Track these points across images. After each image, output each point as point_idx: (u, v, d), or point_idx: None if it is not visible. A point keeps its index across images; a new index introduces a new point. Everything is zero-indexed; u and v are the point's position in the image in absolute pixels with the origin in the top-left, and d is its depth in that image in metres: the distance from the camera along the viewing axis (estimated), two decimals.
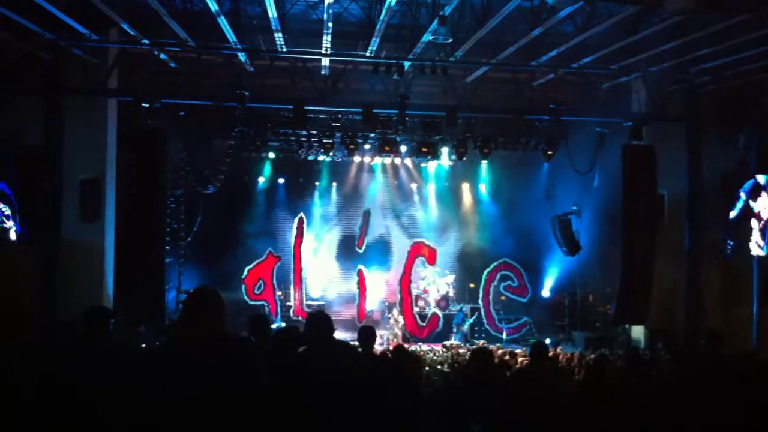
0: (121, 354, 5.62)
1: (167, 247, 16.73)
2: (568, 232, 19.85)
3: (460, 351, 16.78)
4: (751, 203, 15.45)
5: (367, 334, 7.32)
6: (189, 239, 19.80)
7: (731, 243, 15.67)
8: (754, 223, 15.47)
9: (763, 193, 15.33)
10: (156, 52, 15.23)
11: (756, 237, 15.37)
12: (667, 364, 11.02)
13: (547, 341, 17.62)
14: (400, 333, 19.87)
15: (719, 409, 6.34)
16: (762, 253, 15.22)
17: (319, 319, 5.83)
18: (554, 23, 12.59)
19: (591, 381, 7.42)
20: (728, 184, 15.92)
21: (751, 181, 15.46)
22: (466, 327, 20.54)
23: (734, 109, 16.37)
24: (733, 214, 15.73)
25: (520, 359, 14.33)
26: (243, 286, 20.38)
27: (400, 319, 20.39)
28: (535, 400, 6.70)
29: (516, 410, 6.54)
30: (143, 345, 14.03)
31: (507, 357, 14.28)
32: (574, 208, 20.10)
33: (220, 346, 4.44)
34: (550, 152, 18.43)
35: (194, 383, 4.23)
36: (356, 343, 7.11)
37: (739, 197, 15.56)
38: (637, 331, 18.01)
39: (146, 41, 14.35)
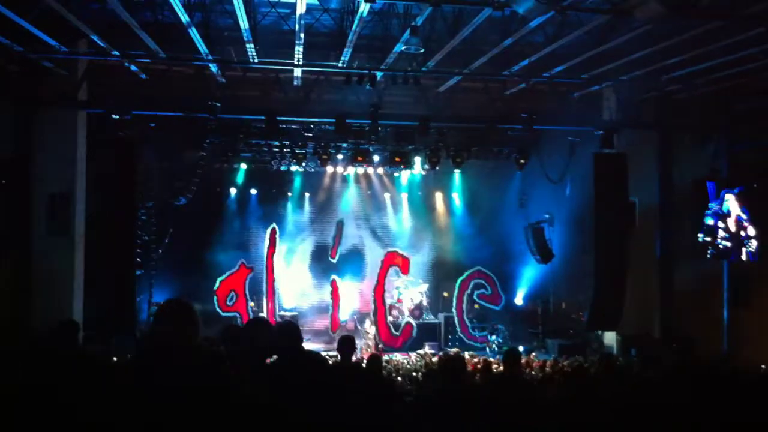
0: (95, 364, 5.61)
1: (138, 259, 16.58)
2: (541, 241, 19.96)
3: (434, 360, 16.81)
4: (723, 209, 15.67)
5: (346, 344, 7.38)
6: (160, 251, 19.65)
7: (712, 248, 15.83)
8: (724, 228, 15.68)
9: (732, 200, 15.54)
10: (126, 64, 15.13)
11: (726, 243, 15.58)
12: (640, 368, 11.12)
13: (521, 349, 17.71)
14: (372, 343, 19.86)
15: (693, 414, 6.39)
16: (744, 258, 15.44)
17: (289, 329, 5.82)
18: (525, 33, 12.65)
19: (569, 387, 7.46)
20: (699, 191, 16.09)
21: (727, 191, 15.66)
22: (494, 344, 20.51)
23: (705, 117, 16.56)
24: (707, 220, 15.90)
25: (494, 367, 14.40)
26: (215, 298, 20.20)
27: (372, 329, 20.38)
28: (511, 406, 6.72)
29: (492, 416, 6.55)
30: (114, 358, 13.93)
31: (480, 365, 14.33)
32: (547, 216, 20.23)
33: (193, 358, 4.42)
34: (522, 161, 18.49)
35: (169, 395, 4.19)
36: (332, 353, 7.12)
37: (711, 203, 15.75)
38: (610, 338, 18.16)
39: (116, 53, 14.24)
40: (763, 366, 13.41)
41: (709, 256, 15.86)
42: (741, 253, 15.38)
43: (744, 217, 15.33)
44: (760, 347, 15.21)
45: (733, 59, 13.58)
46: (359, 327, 21.01)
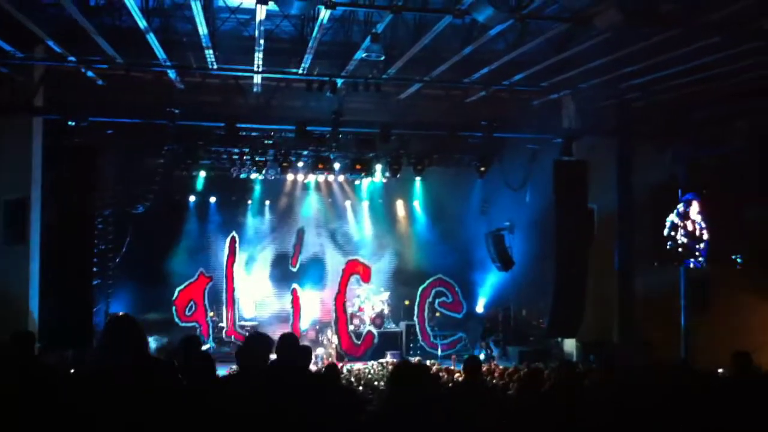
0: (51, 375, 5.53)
1: (94, 269, 16.29)
2: (501, 248, 20.04)
3: None
4: (683, 215, 15.94)
5: (302, 353, 7.28)
6: (117, 260, 19.33)
7: (672, 243, 16.05)
8: (683, 226, 15.94)
9: (695, 204, 15.80)
10: (83, 70, 14.88)
11: (684, 239, 15.86)
12: (599, 374, 11.14)
13: (482, 356, 17.74)
14: (334, 352, 19.75)
15: (653, 418, 6.41)
16: (700, 264, 15.68)
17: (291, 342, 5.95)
18: (486, 41, 12.71)
19: (527, 393, 7.45)
20: (658, 198, 16.27)
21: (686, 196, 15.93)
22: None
23: (664, 123, 16.75)
24: (666, 225, 16.13)
25: (456, 375, 14.40)
26: (174, 308, 19.97)
27: (334, 339, 20.28)
28: (472, 414, 6.69)
29: (454, 423, 6.51)
30: (72, 370, 13.67)
31: (442, 373, 14.32)
32: (507, 224, 20.31)
33: (142, 372, 4.41)
34: (483, 168, 18.58)
35: (119, 409, 4.17)
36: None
37: (672, 210, 15.99)
38: (569, 344, 18.25)
39: (73, 58, 14.01)
40: (720, 370, 13.55)
41: (668, 247, 16.09)
42: (696, 252, 15.65)
43: (703, 225, 15.59)
44: (717, 352, 15.35)
45: (691, 67, 13.75)
46: (320, 336, 20.90)
